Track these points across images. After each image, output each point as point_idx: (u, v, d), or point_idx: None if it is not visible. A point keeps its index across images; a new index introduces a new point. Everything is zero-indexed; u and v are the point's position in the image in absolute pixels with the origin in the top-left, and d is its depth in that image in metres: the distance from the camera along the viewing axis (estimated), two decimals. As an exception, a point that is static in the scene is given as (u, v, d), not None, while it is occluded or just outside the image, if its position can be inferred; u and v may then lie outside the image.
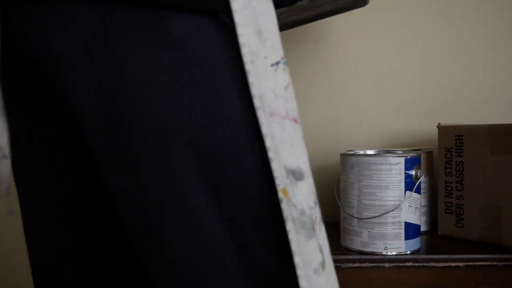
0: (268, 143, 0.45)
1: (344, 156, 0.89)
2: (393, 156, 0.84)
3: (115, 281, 0.50)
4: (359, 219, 0.86)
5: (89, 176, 0.48)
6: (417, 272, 0.84)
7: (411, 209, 0.85)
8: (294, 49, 1.21)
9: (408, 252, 0.85)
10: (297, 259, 0.46)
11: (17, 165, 0.52)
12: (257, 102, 0.45)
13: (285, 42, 1.21)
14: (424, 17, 1.20)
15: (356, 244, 0.87)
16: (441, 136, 0.96)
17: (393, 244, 0.85)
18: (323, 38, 1.20)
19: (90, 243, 0.49)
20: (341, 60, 1.20)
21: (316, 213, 0.49)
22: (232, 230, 0.45)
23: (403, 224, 0.85)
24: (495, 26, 1.19)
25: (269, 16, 0.46)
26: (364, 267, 0.84)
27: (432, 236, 0.99)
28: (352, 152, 0.91)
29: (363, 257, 0.84)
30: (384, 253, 0.85)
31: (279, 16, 0.90)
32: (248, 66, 0.45)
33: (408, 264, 0.84)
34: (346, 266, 0.84)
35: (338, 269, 0.85)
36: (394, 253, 0.85)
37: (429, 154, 1.04)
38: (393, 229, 0.84)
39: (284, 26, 1.04)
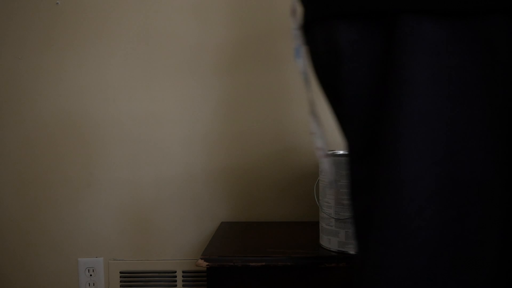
0: None
1: (323, 156, 0.89)
2: (370, 156, 0.84)
3: None
4: (337, 219, 0.86)
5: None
6: (394, 272, 0.84)
7: (388, 209, 0.85)
8: (284, 47, 1.21)
9: (386, 252, 0.85)
10: None
11: None
12: None
13: (278, 40, 1.21)
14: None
15: (334, 244, 0.87)
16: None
17: (370, 244, 0.84)
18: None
19: None
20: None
21: None
22: None
23: (380, 224, 0.84)
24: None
25: None
26: (342, 267, 0.84)
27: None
28: (330, 152, 0.91)
29: (339, 257, 0.84)
30: (361, 253, 0.84)
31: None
32: None
33: (385, 264, 0.84)
34: (323, 266, 0.84)
35: (315, 269, 0.85)
36: (371, 253, 0.85)
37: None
38: (370, 229, 0.84)
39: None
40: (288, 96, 1.21)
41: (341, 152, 0.94)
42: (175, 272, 1.21)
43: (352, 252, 0.85)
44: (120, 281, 1.21)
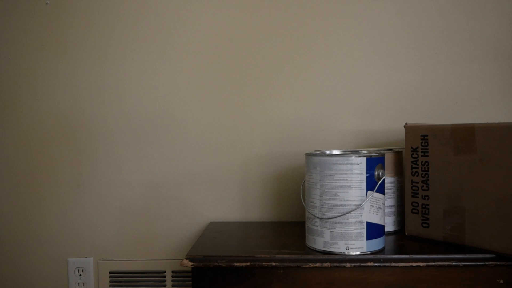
0: None
1: (308, 156, 0.89)
2: (355, 156, 0.84)
3: None
4: (322, 219, 0.86)
5: None
6: (378, 272, 0.84)
7: (373, 209, 0.85)
8: (271, 49, 1.21)
9: (371, 252, 0.85)
10: None
11: None
12: None
13: (264, 42, 1.21)
14: (392, 17, 1.20)
15: (319, 244, 0.87)
16: (408, 136, 0.96)
17: (355, 244, 0.85)
18: (298, 40, 1.20)
19: None
20: (314, 60, 1.20)
21: None
22: None
23: (365, 224, 0.85)
24: (464, 28, 1.19)
25: None
26: (326, 267, 0.84)
27: (400, 236, 0.99)
28: (315, 152, 0.91)
29: (324, 257, 0.84)
30: (346, 253, 0.85)
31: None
32: None
33: (369, 264, 0.84)
34: (307, 266, 0.84)
35: (300, 269, 0.85)
36: (356, 253, 0.85)
37: (399, 154, 1.04)
38: (355, 229, 0.84)
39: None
40: (277, 99, 1.21)
41: (328, 152, 0.94)
42: (165, 272, 1.21)
43: (337, 251, 0.85)
44: (110, 281, 1.21)
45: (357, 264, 0.84)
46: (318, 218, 0.87)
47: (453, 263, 0.83)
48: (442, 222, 0.91)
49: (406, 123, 0.97)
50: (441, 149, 0.90)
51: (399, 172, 1.03)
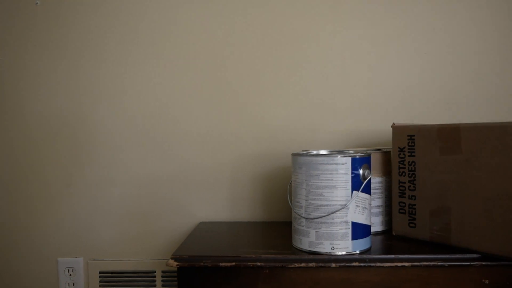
0: None
1: (294, 156, 0.89)
2: (340, 156, 0.84)
3: None
4: (307, 219, 0.86)
5: None
6: (364, 272, 0.84)
7: (358, 209, 0.85)
8: (264, 50, 1.21)
9: (357, 252, 0.85)
10: None
11: None
12: None
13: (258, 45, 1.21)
14: (382, 17, 1.19)
15: (305, 244, 0.87)
16: (395, 136, 0.96)
17: (340, 244, 0.85)
18: (291, 42, 1.20)
19: None
20: (306, 61, 1.20)
21: None
22: None
23: (350, 224, 0.85)
24: (455, 26, 1.19)
25: None
26: (311, 267, 0.84)
27: (388, 236, 0.99)
28: (301, 152, 0.91)
29: (309, 257, 0.84)
30: (331, 253, 0.85)
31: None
32: None
33: (354, 264, 0.84)
34: (293, 266, 0.84)
35: (285, 269, 0.85)
36: (342, 253, 0.85)
37: (387, 153, 1.03)
38: (340, 229, 0.84)
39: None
40: (268, 99, 1.21)
41: (315, 152, 0.94)
42: (154, 272, 1.21)
43: (322, 251, 0.85)
44: (100, 281, 1.21)
45: (343, 264, 0.84)
46: (304, 218, 0.87)
47: (439, 263, 0.83)
48: (429, 222, 0.91)
49: (393, 123, 0.97)
50: (428, 149, 0.90)
51: (387, 172, 1.02)
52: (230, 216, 1.22)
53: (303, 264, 0.84)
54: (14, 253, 1.23)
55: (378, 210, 1.01)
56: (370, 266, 0.84)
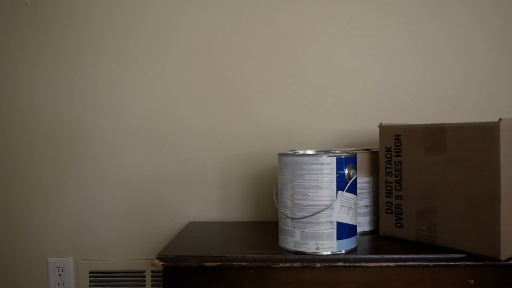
0: None
1: (280, 156, 0.89)
2: (325, 156, 0.84)
3: None
4: (293, 219, 0.86)
5: None
6: (349, 272, 0.84)
7: (343, 209, 0.85)
8: (254, 51, 1.21)
9: (342, 252, 0.85)
10: None
11: None
12: None
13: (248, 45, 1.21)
14: (372, 17, 1.19)
15: (290, 244, 0.87)
16: (382, 136, 0.96)
17: (325, 244, 0.85)
18: (281, 44, 1.20)
19: None
20: (295, 62, 1.20)
21: None
22: None
23: (335, 224, 0.85)
24: (444, 27, 1.19)
25: None
26: (296, 267, 0.84)
27: (375, 236, 0.99)
28: (286, 152, 0.91)
29: (294, 257, 0.84)
30: (316, 253, 0.84)
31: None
32: None
33: (339, 264, 0.84)
34: (278, 266, 0.84)
35: (270, 269, 0.85)
36: (327, 253, 0.85)
37: (375, 153, 1.03)
38: (325, 229, 0.84)
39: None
40: (258, 99, 1.21)
41: (302, 152, 0.94)
42: (144, 272, 1.21)
43: (307, 251, 0.85)
44: (90, 281, 1.21)
45: (328, 264, 0.84)
46: (289, 218, 0.87)
47: (423, 263, 0.83)
48: (415, 222, 0.91)
49: (380, 123, 0.97)
50: (414, 149, 0.90)
51: (375, 172, 1.02)
52: (220, 216, 1.22)
53: (288, 264, 0.84)
54: (4, 253, 1.23)
55: (366, 210, 1.01)
56: (355, 266, 0.84)
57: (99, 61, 1.22)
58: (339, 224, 0.85)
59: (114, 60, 1.21)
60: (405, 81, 1.19)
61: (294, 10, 1.20)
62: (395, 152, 0.93)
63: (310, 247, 0.85)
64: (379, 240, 0.95)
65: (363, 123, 1.20)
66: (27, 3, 1.21)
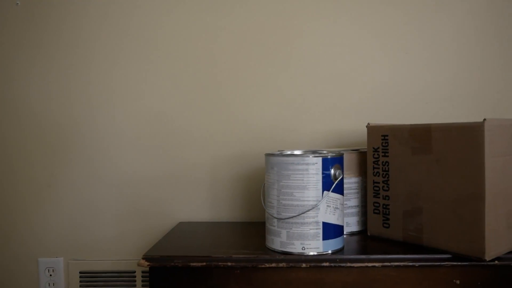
0: None
1: (267, 156, 0.89)
2: (311, 156, 0.84)
3: None
4: (279, 219, 0.86)
5: None
6: (335, 272, 0.84)
7: (329, 209, 0.85)
8: (245, 53, 1.21)
9: (329, 252, 0.85)
10: None
11: None
12: None
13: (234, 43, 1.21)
14: (361, 17, 1.19)
15: (277, 244, 0.87)
16: (369, 136, 0.96)
17: (311, 244, 0.84)
18: (267, 44, 1.20)
19: None
20: (285, 63, 1.20)
21: None
22: None
23: (321, 224, 0.84)
24: (433, 27, 1.19)
25: None
26: (282, 267, 0.84)
27: (363, 236, 0.99)
28: (273, 152, 0.91)
29: (280, 257, 0.84)
30: (302, 253, 0.84)
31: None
32: None
33: (325, 264, 0.84)
34: (263, 266, 0.84)
35: (256, 269, 0.85)
36: (313, 253, 0.85)
37: (364, 154, 1.03)
38: (311, 229, 0.84)
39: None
40: (249, 100, 1.21)
41: (289, 152, 0.94)
42: (134, 272, 1.21)
43: (293, 251, 0.85)
44: (80, 281, 1.21)
45: (313, 264, 0.84)
46: (276, 218, 0.87)
47: (409, 264, 0.83)
48: (402, 222, 0.91)
49: (368, 123, 0.97)
50: (400, 149, 0.90)
51: (363, 172, 1.02)
52: (210, 216, 1.22)
53: (273, 264, 0.84)
54: (-5, 253, 1.23)
55: (354, 210, 1.01)
56: (341, 266, 0.84)
57: (93, 61, 1.22)
58: (325, 224, 0.85)
59: (109, 60, 1.21)
60: (397, 81, 1.19)
61: (287, 11, 1.20)
62: (382, 152, 0.93)
63: (296, 247, 0.85)
64: (366, 240, 0.95)
65: (355, 123, 1.20)
66: (17, 3, 1.22)
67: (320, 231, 0.85)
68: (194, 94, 1.21)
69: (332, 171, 0.85)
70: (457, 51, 1.19)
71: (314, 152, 0.93)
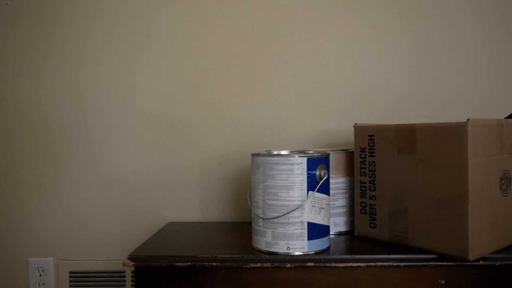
0: None
1: (252, 156, 0.89)
2: (296, 156, 0.84)
3: None
4: (264, 219, 0.86)
5: None
6: (320, 272, 0.84)
7: (314, 209, 0.85)
8: (235, 52, 1.21)
9: (313, 252, 0.85)
10: None
11: None
12: None
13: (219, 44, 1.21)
14: (349, 18, 1.19)
15: (262, 244, 0.87)
16: (356, 136, 0.96)
17: (296, 244, 0.84)
18: (256, 43, 1.20)
19: None
20: (274, 63, 1.20)
21: None
22: None
23: (306, 224, 0.84)
24: (420, 27, 1.19)
25: None
26: (267, 267, 0.84)
27: (351, 236, 0.99)
28: (258, 152, 0.91)
29: (265, 257, 0.84)
30: (287, 253, 0.84)
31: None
32: None
33: (309, 264, 0.84)
34: (248, 266, 0.84)
35: (241, 269, 0.85)
36: (298, 253, 0.85)
37: (351, 154, 1.03)
38: (296, 229, 0.84)
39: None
40: (238, 99, 1.21)
41: (275, 152, 0.94)
42: (124, 272, 1.21)
43: (278, 251, 0.85)
44: (70, 281, 1.21)
45: (298, 264, 0.84)
46: (261, 218, 0.87)
47: (394, 264, 0.83)
48: (388, 222, 0.90)
49: (355, 123, 0.97)
50: (386, 149, 0.90)
51: (351, 172, 1.02)
52: (200, 216, 1.22)
53: (258, 265, 0.84)
54: (-15, 253, 1.23)
55: (342, 210, 1.01)
56: (326, 267, 0.84)
57: (83, 61, 1.22)
58: (310, 225, 0.85)
59: (99, 60, 1.21)
60: (387, 82, 1.19)
61: (276, 12, 1.20)
62: (369, 152, 0.93)
63: (281, 247, 0.85)
64: (353, 240, 0.95)
65: (344, 123, 1.20)
66: (7, 3, 1.22)
67: (305, 231, 0.85)
68: (183, 95, 1.21)
69: (317, 171, 0.85)
70: (446, 52, 1.19)
71: (300, 152, 0.93)
